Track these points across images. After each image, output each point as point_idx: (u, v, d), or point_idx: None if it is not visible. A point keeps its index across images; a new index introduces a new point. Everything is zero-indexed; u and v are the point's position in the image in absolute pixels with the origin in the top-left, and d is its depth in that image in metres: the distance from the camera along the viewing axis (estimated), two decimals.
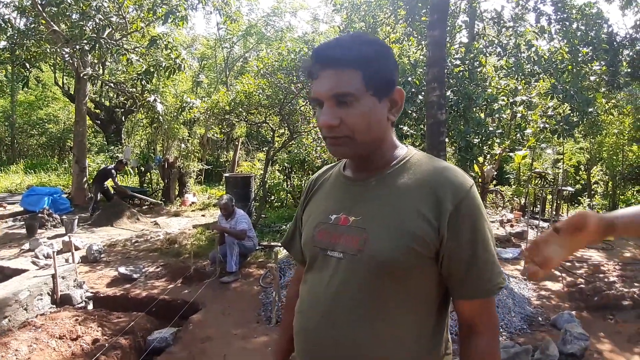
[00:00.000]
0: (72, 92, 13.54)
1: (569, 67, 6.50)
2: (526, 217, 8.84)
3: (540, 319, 4.57)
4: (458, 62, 6.28)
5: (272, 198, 11.17)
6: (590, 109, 6.37)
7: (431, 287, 1.08)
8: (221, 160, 18.51)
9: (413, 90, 5.79)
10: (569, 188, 9.53)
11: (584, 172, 12.46)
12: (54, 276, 4.54)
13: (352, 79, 1.01)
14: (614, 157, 11.10)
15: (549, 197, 10.62)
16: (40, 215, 8.15)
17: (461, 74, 6.11)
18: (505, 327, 4.26)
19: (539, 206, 10.58)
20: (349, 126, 1.03)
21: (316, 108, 1.10)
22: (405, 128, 6.25)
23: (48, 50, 8.96)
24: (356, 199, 1.13)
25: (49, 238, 7.13)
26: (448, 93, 5.55)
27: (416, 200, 1.05)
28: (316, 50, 1.06)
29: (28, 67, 8.83)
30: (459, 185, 1.05)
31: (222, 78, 20.67)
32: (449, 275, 1.06)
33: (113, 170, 9.27)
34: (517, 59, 6.74)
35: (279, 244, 6.72)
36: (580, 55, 6.59)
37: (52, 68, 14.84)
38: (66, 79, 15.82)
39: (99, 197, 9.29)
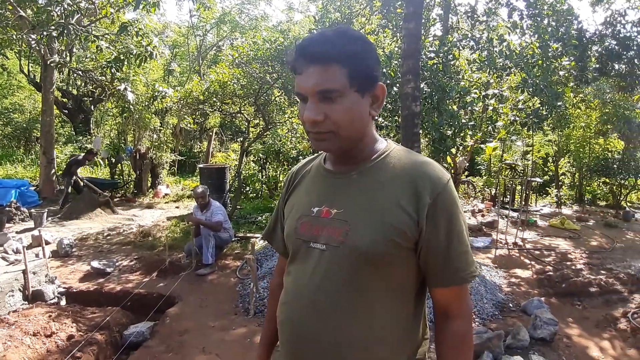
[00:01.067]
0: (39, 81, 13.07)
1: (539, 61, 6.65)
2: (497, 207, 9.08)
3: (511, 305, 4.73)
4: (432, 54, 6.35)
5: (248, 189, 11.11)
6: (559, 103, 6.55)
7: (410, 276, 1.13)
8: (195, 150, 18.26)
9: (388, 82, 5.84)
10: (538, 179, 9.80)
11: (552, 164, 12.81)
12: (24, 272, 4.43)
13: (337, 75, 1.03)
14: (581, 150, 11.44)
15: (519, 187, 10.91)
16: (7, 209, 7.87)
17: (435, 66, 6.18)
18: (477, 313, 4.38)
19: (509, 196, 10.86)
20: (333, 121, 1.06)
21: (299, 102, 1.11)
22: (380, 119, 6.31)
23: (14, 36, 8.61)
24: (338, 192, 1.15)
25: (17, 232, 6.92)
26: (422, 85, 5.61)
27: (396, 193, 1.09)
28: (300, 45, 1.07)
29: None
30: (437, 179, 1.09)
31: (194, 67, 20.30)
32: (426, 265, 1.11)
33: (80, 159, 9.02)
34: (490, 53, 6.86)
35: (256, 236, 6.71)
36: (550, 50, 6.75)
37: (17, 55, 14.26)
38: (32, 67, 15.24)
39: (69, 190, 9.03)
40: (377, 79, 1.10)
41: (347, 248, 1.08)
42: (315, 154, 1.34)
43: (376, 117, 1.16)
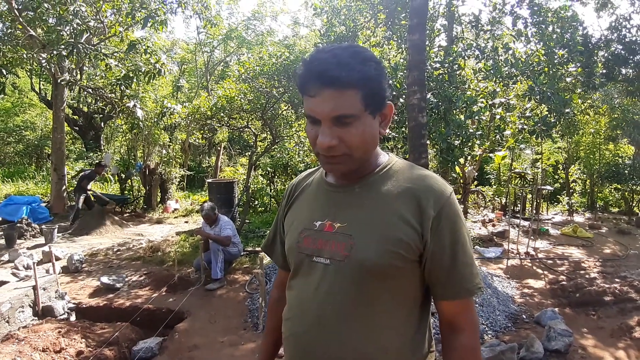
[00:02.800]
0: (50, 98, 13.28)
1: (546, 69, 6.63)
2: (507, 217, 8.99)
3: (524, 316, 4.65)
4: (438, 65, 6.36)
5: (256, 203, 11.12)
6: (566, 110, 6.51)
7: (415, 288, 1.13)
8: (203, 165, 18.37)
9: (394, 93, 5.85)
10: (548, 187, 9.71)
11: (562, 171, 12.71)
12: (34, 288, 4.45)
13: (353, 100, 1.01)
14: (591, 156, 11.36)
15: (529, 196, 10.81)
16: (19, 225, 7.94)
17: (441, 77, 6.19)
18: (490, 325, 4.31)
19: (519, 205, 10.75)
20: (348, 145, 1.05)
21: (307, 122, 1.10)
22: (388, 131, 6.31)
23: (25, 55, 8.76)
24: (340, 206, 1.15)
25: (28, 248, 6.97)
26: (428, 96, 5.61)
27: (400, 207, 1.08)
28: (313, 67, 1.03)
29: (4, 73, 8.61)
30: (440, 192, 1.09)
31: (202, 82, 20.51)
32: (431, 278, 1.11)
33: (91, 174, 9.10)
34: (495, 62, 6.86)
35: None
36: (556, 57, 6.74)
37: (28, 74, 14.52)
38: (43, 85, 15.52)
39: (80, 206, 9.09)
40: (387, 99, 1.10)
41: (352, 262, 1.07)
42: (317, 166, 1.33)
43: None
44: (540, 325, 4.31)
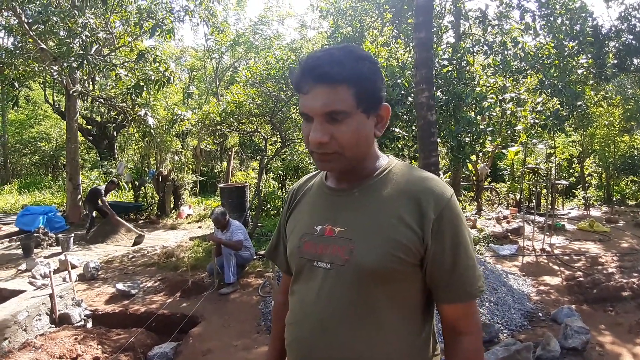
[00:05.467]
0: (63, 110, 13.50)
1: (556, 62, 6.55)
2: (522, 213, 8.88)
3: (540, 314, 4.59)
4: (446, 62, 6.31)
5: (268, 206, 11.16)
6: (579, 102, 6.42)
7: (417, 291, 1.12)
8: (215, 170, 18.51)
9: (402, 92, 5.81)
10: (563, 181, 9.59)
11: (577, 165, 12.53)
12: (51, 296, 4.51)
13: (345, 96, 1.02)
14: (606, 149, 11.19)
15: (544, 191, 10.67)
16: (35, 234, 8.08)
17: (449, 74, 6.15)
18: (505, 324, 4.26)
19: (534, 201, 10.63)
20: (339, 142, 1.05)
21: (303, 121, 1.10)
22: (397, 130, 6.28)
23: (36, 68, 8.92)
24: (340, 210, 1.14)
25: (45, 257, 7.08)
26: (437, 93, 5.58)
27: (400, 210, 1.07)
28: (307, 64, 1.04)
29: (17, 86, 8.79)
30: (440, 194, 1.08)
31: (212, 89, 20.68)
32: (433, 281, 1.10)
33: (103, 191, 9.17)
34: (504, 57, 6.79)
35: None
36: (566, 49, 6.65)
37: (41, 86, 14.79)
38: (56, 96, 15.78)
39: (94, 214, 9.20)
40: (382, 100, 1.09)
41: (352, 266, 1.07)
42: (317, 170, 1.33)
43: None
44: (557, 322, 4.25)
